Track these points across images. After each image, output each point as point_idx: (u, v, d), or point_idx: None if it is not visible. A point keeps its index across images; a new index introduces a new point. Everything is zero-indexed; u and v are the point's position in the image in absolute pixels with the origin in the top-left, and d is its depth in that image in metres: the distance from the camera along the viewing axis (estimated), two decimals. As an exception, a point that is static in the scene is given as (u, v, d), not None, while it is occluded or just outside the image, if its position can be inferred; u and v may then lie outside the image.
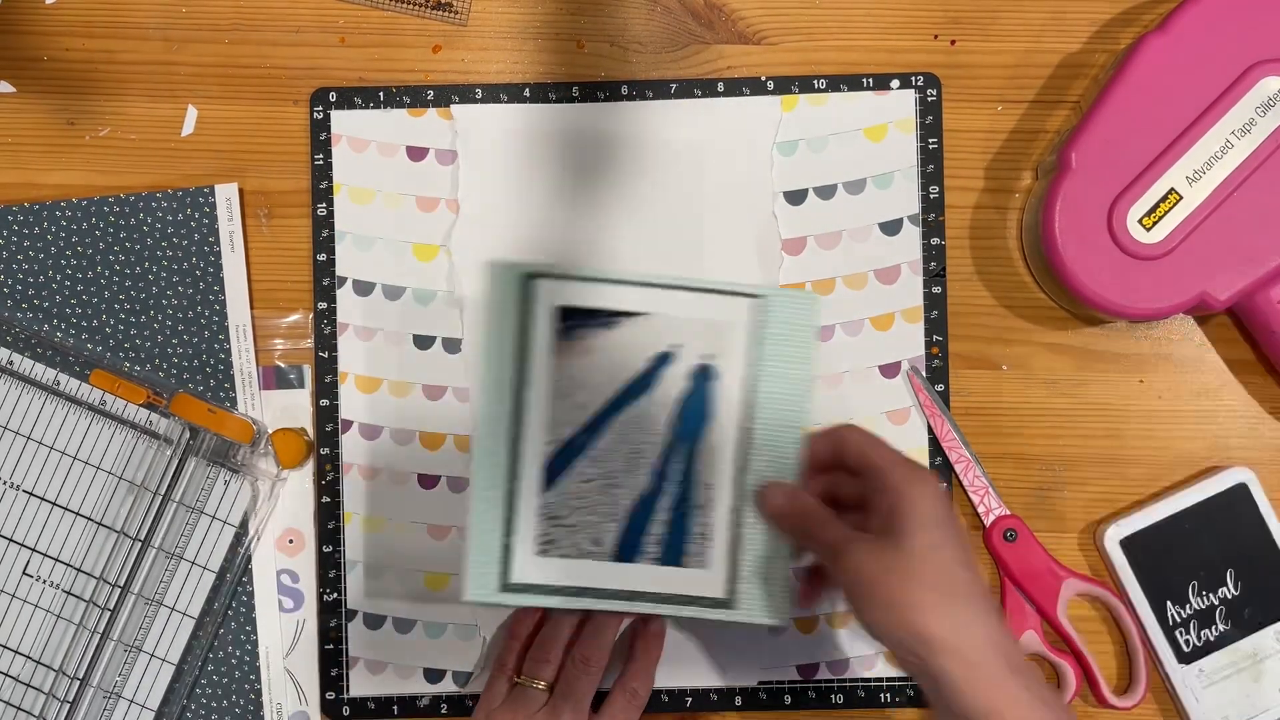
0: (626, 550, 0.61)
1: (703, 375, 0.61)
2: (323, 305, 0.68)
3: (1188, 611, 0.66)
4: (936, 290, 0.68)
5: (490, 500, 0.61)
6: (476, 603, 0.61)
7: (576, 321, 0.61)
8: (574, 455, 0.61)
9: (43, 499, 0.68)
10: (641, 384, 0.61)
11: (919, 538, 0.53)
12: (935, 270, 0.68)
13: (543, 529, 0.61)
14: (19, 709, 0.67)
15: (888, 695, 0.67)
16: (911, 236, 0.68)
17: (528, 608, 0.64)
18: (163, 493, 0.67)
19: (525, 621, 0.65)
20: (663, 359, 0.61)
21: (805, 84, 0.68)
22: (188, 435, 0.67)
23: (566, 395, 0.61)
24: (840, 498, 0.60)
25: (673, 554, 0.61)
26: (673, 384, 0.61)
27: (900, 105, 0.69)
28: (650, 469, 0.61)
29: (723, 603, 0.61)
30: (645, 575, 0.61)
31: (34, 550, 0.68)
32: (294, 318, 0.69)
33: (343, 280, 0.68)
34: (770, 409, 0.61)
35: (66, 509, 0.68)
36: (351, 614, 0.68)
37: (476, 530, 0.61)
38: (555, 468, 0.61)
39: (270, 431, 0.68)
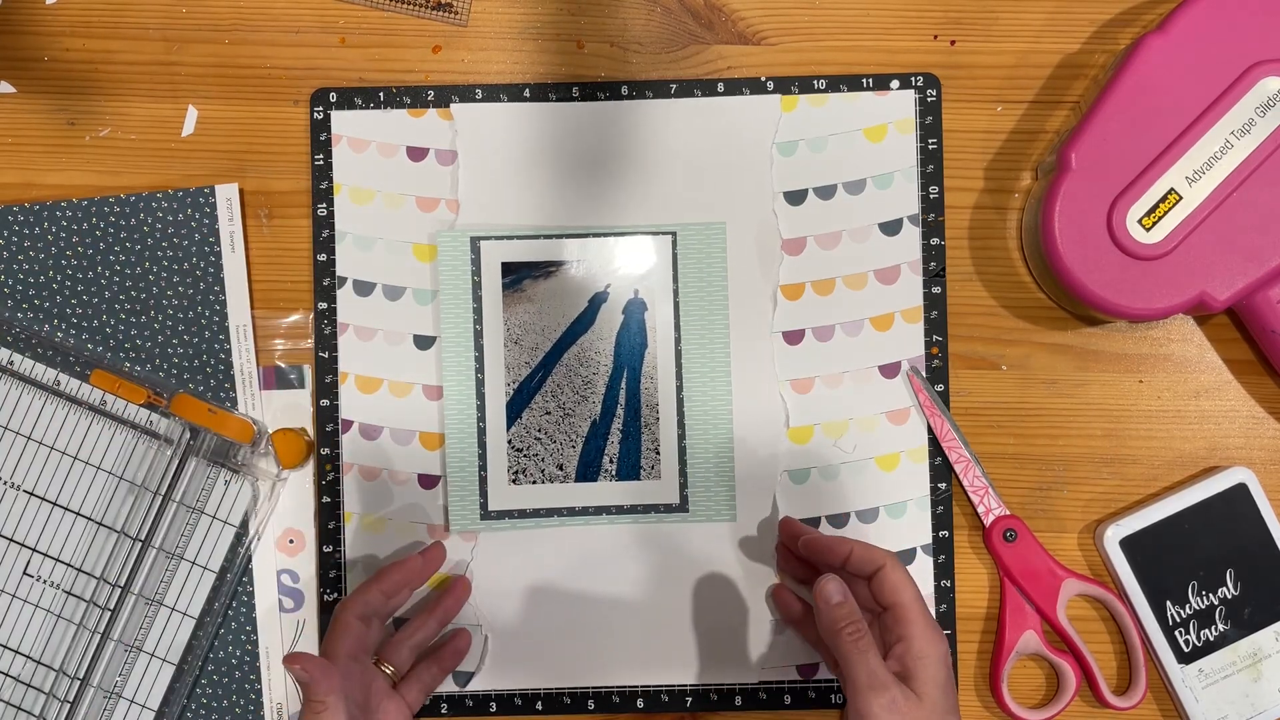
0: (587, 471, 0.67)
1: (635, 306, 0.68)
2: (323, 305, 0.68)
3: (1187, 611, 0.66)
4: (936, 290, 0.68)
5: (463, 441, 0.67)
6: (461, 531, 0.67)
7: (519, 275, 0.67)
8: (531, 393, 0.68)
9: (43, 499, 0.68)
10: (583, 322, 0.68)
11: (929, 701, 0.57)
12: (935, 270, 0.68)
13: (512, 461, 0.67)
14: (19, 709, 0.67)
15: (887, 695, 0.67)
16: (911, 236, 0.68)
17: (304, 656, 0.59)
18: (163, 493, 0.67)
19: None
20: (598, 297, 0.68)
21: (805, 84, 0.68)
22: (188, 435, 0.67)
23: (518, 340, 0.67)
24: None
25: (629, 469, 0.67)
26: (610, 318, 0.68)
27: (900, 105, 0.69)
28: (600, 397, 0.67)
29: (677, 508, 0.68)
30: (606, 491, 0.68)
31: (34, 550, 0.68)
32: (294, 318, 0.69)
33: (343, 280, 0.68)
34: (696, 328, 0.68)
35: (67, 509, 0.68)
36: (352, 614, 0.68)
37: (455, 468, 0.67)
38: (516, 406, 0.68)
39: (270, 431, 0.68)
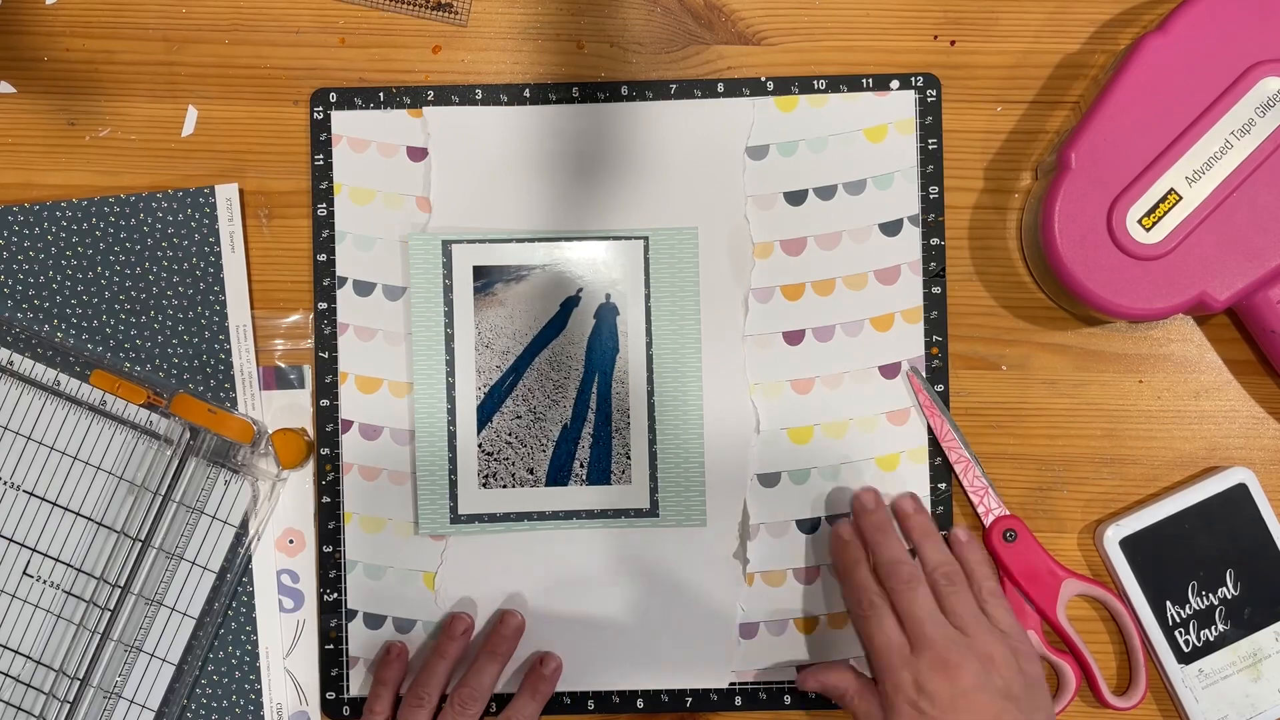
0: (558, 475, 0.67)
1: (606, 311, 0.67)
2: (323, 305, 0.68)
3: (1187, 611, 0.66)
4: (936, 290, 0.68)
5: (434, 444, 0.67)
6: (430, 535, 0.67)
7: (491, 279, 0.67)
8: (502, 397, 0.68)
9: (43, 499, 0.68)
10: (554, 326, 0.68)
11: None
12: (935, 270, 0.68)
13: (482, 464, 0.67)
14: (19, 709, 0.67)
15: (887, 695, 0.67)
16: (911, 237, 0.68)
17: (393, 649, 0.67)
18: (163, 493, 0.67)
19: (393, 665, 0.66)
20: (570, 301, 0.67)
21: (805, 84, 0.68)
22: (188, 435, 0.67)
23: (489, 344, 0.67)
24: None
25: (599, 474, 0.67)
26: (582, 323, 0.68)
27: (900, 106, 0.69)
28: (571, 401, 0.67)
29: (648, 512, 0.68)
30: (577, 495, 0.68)
31: (34, 550, 0.68)
32: (294, 318, 0.69)
33: (343, 280, 0.68)
34: (667, 333, 0.68)
35: (67, 509, 0.68)
36: (351, 614, 0.68)
37: (424, 471, 0.67)
38: (487, 409, 0.67)
39: (270, 432, 0.68)
